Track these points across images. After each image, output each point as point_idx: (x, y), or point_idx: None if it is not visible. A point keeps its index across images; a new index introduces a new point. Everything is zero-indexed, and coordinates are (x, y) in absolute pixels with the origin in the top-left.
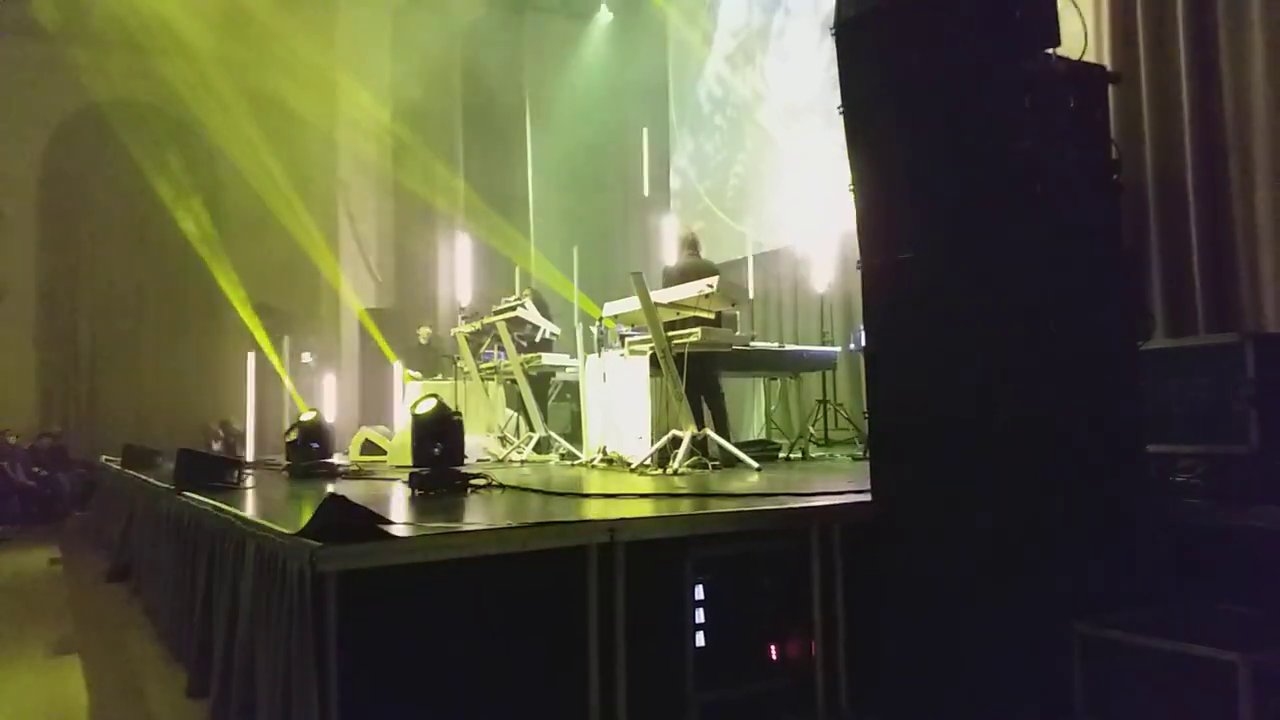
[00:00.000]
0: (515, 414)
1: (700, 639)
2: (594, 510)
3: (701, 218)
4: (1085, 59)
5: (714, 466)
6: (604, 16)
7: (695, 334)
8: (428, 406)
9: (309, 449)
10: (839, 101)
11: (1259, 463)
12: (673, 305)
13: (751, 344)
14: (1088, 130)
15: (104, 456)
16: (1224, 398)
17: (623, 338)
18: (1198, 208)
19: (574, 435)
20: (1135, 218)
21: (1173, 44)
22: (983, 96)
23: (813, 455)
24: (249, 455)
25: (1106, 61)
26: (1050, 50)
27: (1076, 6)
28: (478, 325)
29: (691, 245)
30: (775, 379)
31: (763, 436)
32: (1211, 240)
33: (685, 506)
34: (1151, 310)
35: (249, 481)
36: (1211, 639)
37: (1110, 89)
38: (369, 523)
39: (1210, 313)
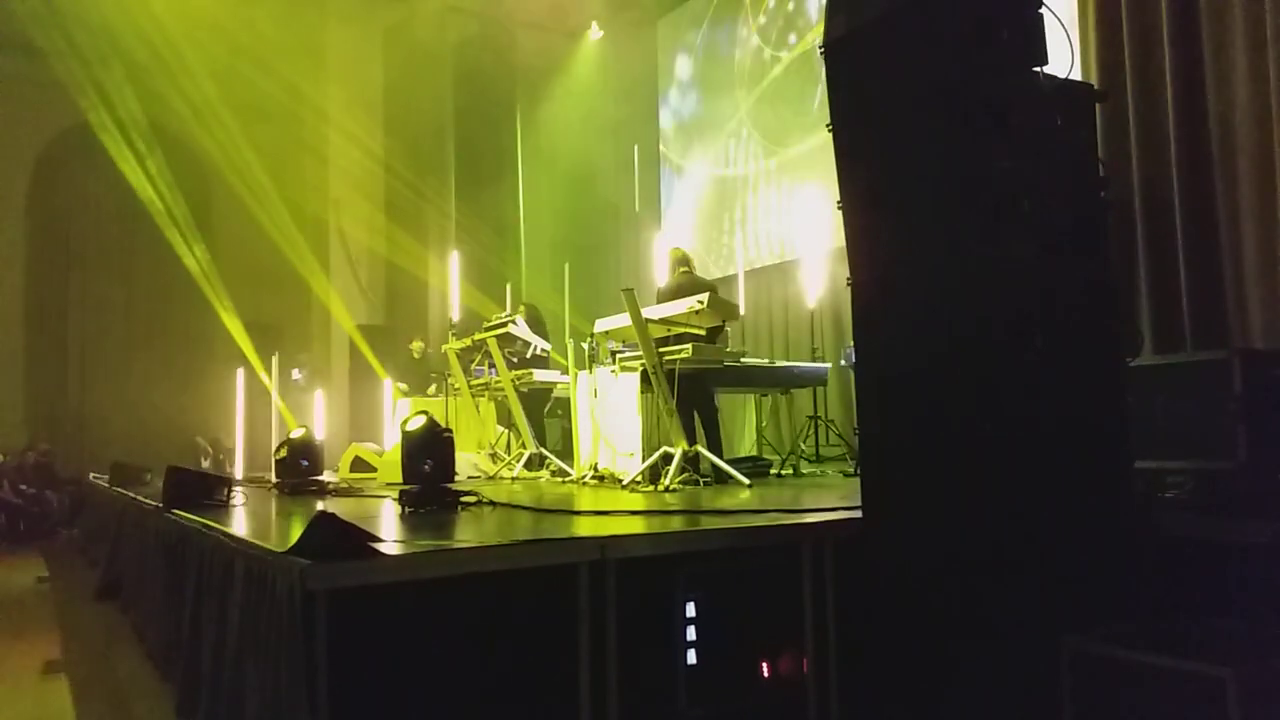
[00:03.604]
0: (506, 430)
1: (692, 656)
2: (585, 527)
3: (692, 234)
4: (1072, 77)
5: (705, 483)
6: (594, 34)
7: (686, 350)
8: (418, 423)
9: (298, 466)
10: (829, 118)
11: (1246, 478)
12: (664, 321)
13: (743, 360)
14: (1074, 148)
15: (92, 474)
16: (1211, 413)
17: (614, 354)
18: (1184, 225)
19: (565, 452)
20: (1123, 235)
21: (1159, 63)
22: (970, 114)
23: (804, 471)
24: (238, 473)
25: (1093, 80)
26: (1037, 68)
27: (1063, 25)
28: (468, 341)
29: (684, 263)
30: (766, 395)
31: (754, 453)
32: (1198, 257)
33: (677, 524)
34: (1140, 327)
35: (238, 499)
36: (1201, 654)
37: (1097, 107)
38: (359, 540)
39: (1198, 329)
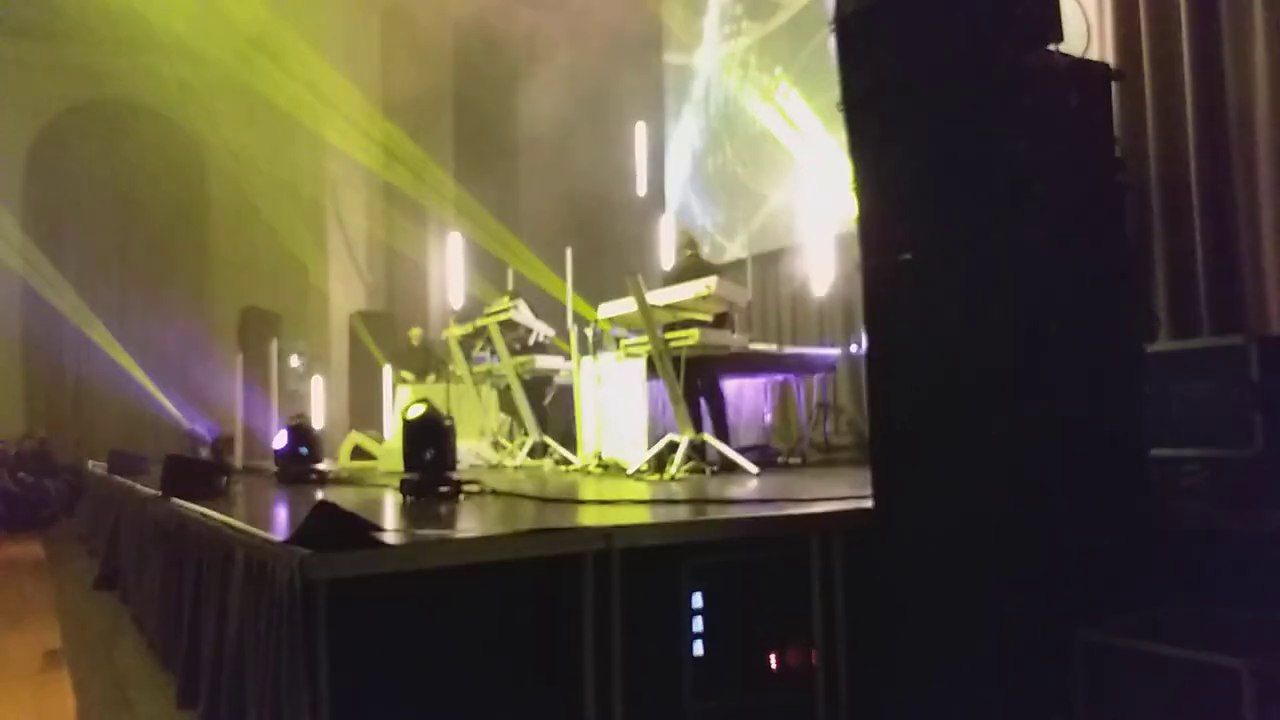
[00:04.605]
0: (508, 418)
1: (699, 648)
2: (589, 517)
3: (698, 217)
4: (1088, 56)
5: (712, 471)
6: (597, 11)
7: (693, 336)
8: (418, 411)
9: (298, 454)
10: (839, 98)
11: (1263, 466)
12: (669, 307)
13: (750, 346)
14: (1090, 129)
15: (91, 462)
16: (1228, 401)
17: (618, 340)
18: (1202, 207)
19: (569, 439)
20: (1139, 218)
21: (1176, 41)
22: (984, 94)
23: (813, 460)
24: (237, 461)
25: (1109, 59)
26: (1052, 47)
27: (1079, 3)
28: (470, 328)
29: (692, 245)
30: (774, 382)
31: (762, 441)
32: (1216, 240)
33: (683, 513)
34: (1156, 312)
35: (237, 488)
36: (1215, 644)
37: (1113, 86)
38: (359, 530)
39: (1215, 314)
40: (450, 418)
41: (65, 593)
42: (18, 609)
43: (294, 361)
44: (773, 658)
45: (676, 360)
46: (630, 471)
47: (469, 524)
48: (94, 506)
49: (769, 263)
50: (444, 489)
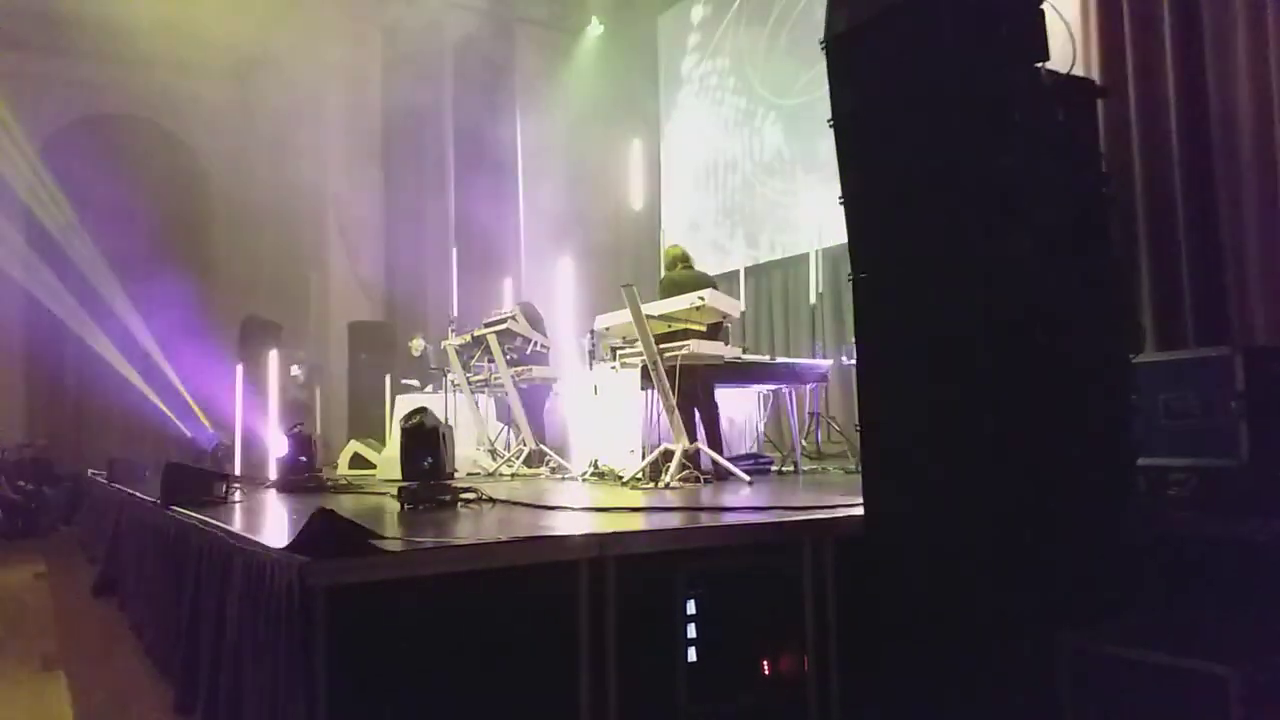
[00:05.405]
0: (506, 427)
1: (692, 654)
2: (585, 525)
3: (692, 230)
4: (1073, 73)
5: (706, 480)
6: (594, 30)
7: (687, 347)
8: (417, 420)
9: (298, 462)
10: (830, 114)
11: (1249, 475)
12: (664, 318)
13: (743, 357)
14: (1077, 144)
15: (91, 470)
16: (1214, 410)
17: (614, 350)
18: (1187, 221)
19: (565, 449)
20: (1124, 231)
21: (1160, 58)
22: (972, 110)
23: (805, 469)
24: (237, 469)
25: (1095, 76)
26: (1038, 64)
27: (1065, 21)
28: (468, 338)
29: (684, 259)
30: (767, 392)
31: (755, 450)
32: (1201, 253)
33: (677, 521)
34: (1142, 323)
35: (236, 495)
36: (1202, 651)
37: (1099, 103)
38: (357, 537)
39: (1200, 325)
40: (448, 426)
41: (64, 600)
42: (17, 616)
43: (294, 370)
44: (765, 664)
45: (671, 370)
46: (625, 480)
47: (466, 532)
48: (93, 514)
49: (762, 274)
50: (442, 497)
